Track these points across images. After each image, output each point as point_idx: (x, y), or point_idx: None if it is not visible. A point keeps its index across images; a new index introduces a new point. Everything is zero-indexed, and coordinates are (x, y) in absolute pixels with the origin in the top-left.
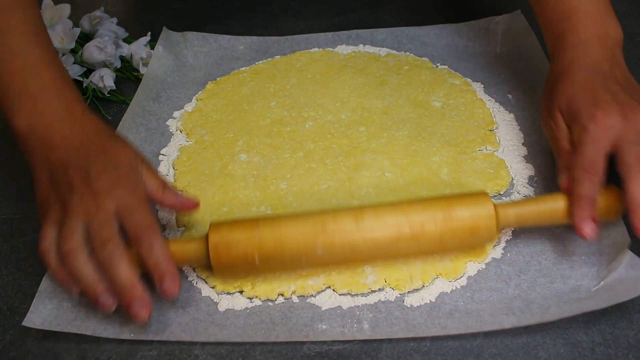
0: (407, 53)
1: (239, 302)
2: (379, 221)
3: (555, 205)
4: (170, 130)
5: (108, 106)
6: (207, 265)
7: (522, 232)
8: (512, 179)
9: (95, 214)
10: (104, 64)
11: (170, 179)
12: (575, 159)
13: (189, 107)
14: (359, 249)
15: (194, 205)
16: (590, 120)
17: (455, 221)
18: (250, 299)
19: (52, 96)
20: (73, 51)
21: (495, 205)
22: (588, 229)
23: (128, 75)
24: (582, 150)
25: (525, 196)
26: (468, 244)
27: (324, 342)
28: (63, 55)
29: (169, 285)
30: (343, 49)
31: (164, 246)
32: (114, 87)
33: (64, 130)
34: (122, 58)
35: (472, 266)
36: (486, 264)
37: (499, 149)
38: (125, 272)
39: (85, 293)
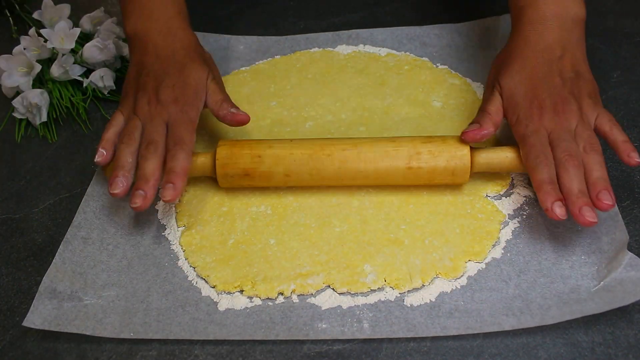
0: (407, 53)
1: (239, 302)
2: (370, 147)
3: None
4: None
5: (108, 106)
6: (213, 177)
7: (522, 232)
8: (512, 179)
9: (152, 119)
10: (104, 64)
11: None
12: (524, 151)
13: None
14: (343, 174)
15: (243, 120)
16: (529, 118)
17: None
18: (250, 298)
19: (157, 8)
20: (73, 51)
21: (470, 149)
22: (558, 210)
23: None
24: (528, 143)
25: (526, 196)
26: (443, 175)
27: (324, 342)
28: (63, 55)
29: (168, 191)
30: (343, 49)
31: (184, 160)
32: (114, 87)
33: (158, 40)
34: (122, 58)
35: (472, 266)
36: (486, 263)
37: None
38: (150, 167)
39: (114, 168)
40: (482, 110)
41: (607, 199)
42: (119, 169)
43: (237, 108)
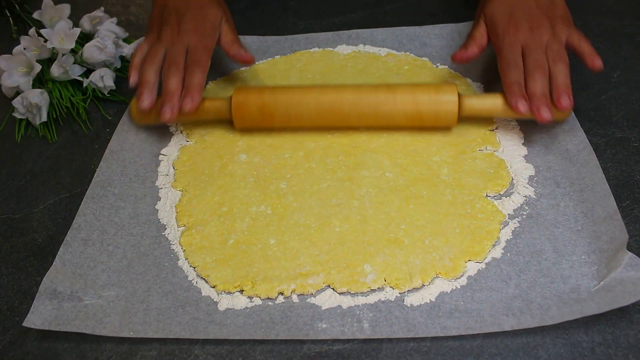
0: (407, 53)
1: (239, 302)
2: (361, 88)
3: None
4: (171, 130)
5: (108, 106)
6: (230, 120)
7: (522, 232)
8: (512, 179)
9: (174, 44)
10: (104, 64)
11: (170, 178)
12: (499, 61)
13: None
14: (345, 108)
15: (248, 61)
16: (505, 33)
17: (423, 98)
18: (250, 298)
19: None
20: (73, 51)
21: (459, 94)
22: (521, 105)
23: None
24: (502, 53)
25: (526, 197)
26: (434, 117)
27: (324, 342)
28: (63, 55)
29: (187, 102)
30: (343, 49)
31: (201, 78)
32: (114, 87)
33: None
34: (122, 58)
35: (472, 266)
36: (486, 263)
37: (499, 149)
38: (174, 83)
39: (140, 84)
40: (469, 36)
41: (565, 100)
42: (144, 85)
43: (245, 49)
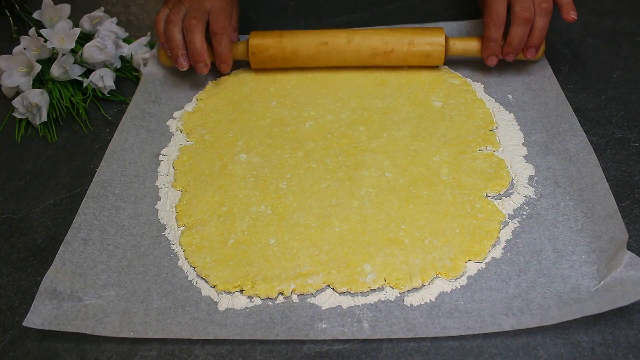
0: None
1: (239, 302)
2: (362, 32)
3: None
4: (171, 131)
5: (108, 106)
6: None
7: (522, 232)
8: (512, 179)
9: (195, 6)
10: (104, 64)
11: (170, 179)
12: (485, 13)
13: (189, 107)
14: (350, 47)
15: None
16: None
17: (416, 38)
18: (250, 298)
19: None
20: (73, 51)
21: (446, 37)
22: (491, 61)
23: (128, 75)
24: (489, 6)
25: (526, 197)
26: (425, 55)
27: (324, 342)
28: (63, 55)
29: (223, 68)
30: None
31: (229, 43)
32: (114, 87)
33: None
34: (122, 58)
35: (472, 266)
36: (486, 263)
37: (499, 149)
38: (198, 41)
39: (171, 49)
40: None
41: (532, 52)
42: (176, 49)
43: (238, 39)
